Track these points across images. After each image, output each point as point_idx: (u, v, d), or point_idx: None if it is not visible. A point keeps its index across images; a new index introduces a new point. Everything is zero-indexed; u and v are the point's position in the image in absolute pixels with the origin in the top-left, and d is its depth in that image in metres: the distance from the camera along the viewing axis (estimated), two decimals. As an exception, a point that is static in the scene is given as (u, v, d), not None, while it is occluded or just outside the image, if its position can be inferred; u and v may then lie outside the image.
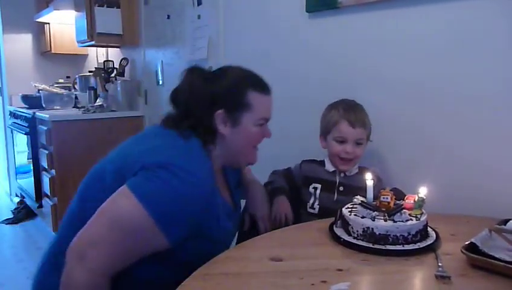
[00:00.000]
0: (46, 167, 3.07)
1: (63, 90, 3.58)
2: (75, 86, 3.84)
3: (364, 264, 0.93)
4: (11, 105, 4.07)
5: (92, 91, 3.45)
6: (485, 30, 1.25)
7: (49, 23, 3.87)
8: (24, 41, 4.17)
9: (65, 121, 2.96)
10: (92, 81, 3.56)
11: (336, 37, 1.68)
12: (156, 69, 2.97)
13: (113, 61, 3.32)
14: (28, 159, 3.47)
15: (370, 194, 1.08)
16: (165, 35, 2.84)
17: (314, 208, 1.40)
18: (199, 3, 2.44)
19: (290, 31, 1.87)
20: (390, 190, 1.07)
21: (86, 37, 3.14)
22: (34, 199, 3.38)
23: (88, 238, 0.95)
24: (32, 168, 3.33)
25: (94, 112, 3.10)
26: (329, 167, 1.42)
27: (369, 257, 0.96)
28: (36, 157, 3.27)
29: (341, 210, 1.10)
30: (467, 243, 0.92)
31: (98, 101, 3.27)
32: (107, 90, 3.28)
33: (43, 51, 4.09)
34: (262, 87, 1.16)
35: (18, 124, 3.59)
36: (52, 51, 3.92)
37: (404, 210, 1.03)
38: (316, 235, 1.10)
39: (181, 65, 2.63)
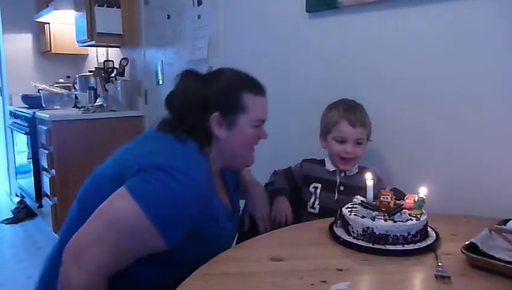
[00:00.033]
0: (46, 167, 3.07)
1: (63, 90, 3.58)
2: (75, 86, 3.84)
3: (364, 264, 0.93)
4: (11, 105, 4.07)
5: (92, 91, 3.45)
6: (485, 30, 1.25)
7: (49, 23, 3.87)
8: (24, 41, 4.18)
9: (65, 121, 2.97)
10: (92, 81, 3.56)
11: (336, 37, 1.68)
12: (156, 69, 2.97)
13: (113, 61, 3.32)
14: (28, 159, 3.47)
15: (370, 194, 1.08)
16: (165, 35, 2.84)
17: (314, 208, 1.40)
18: (199, 3, 2.44)
19: (290, 31, 1.87)
20: (390, 190, 1.07)
21: (86, 37, 3.14)
22: (34, 198, 3.38)
23: (85, 239, 0.95)
24: (32, 168, 3.34)
25: (94, 111, 3.10)
26: (329, 166, 1.42)
27: (369, 256, 0.96)
28: (36, 157, 3.27)
29: (341, 210, 1.10)
30: (466, 243, 0.92)
31: (98, 101, 3.27)
32: (107, 90, 3.28)
33: (43, 50, 4.09)
34: (257, 88, 1.16)
35: (18, 124, 3.59)
36: (52, 51, 3.92)
37: (404, 210, 1.03)
38: (316, 235, 1.10)
39: (181, 65, 2.63)
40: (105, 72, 3.29)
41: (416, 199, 1.04)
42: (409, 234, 0.99)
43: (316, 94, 1.72)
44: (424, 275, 0.91)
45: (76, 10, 3.28)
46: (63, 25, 3.81)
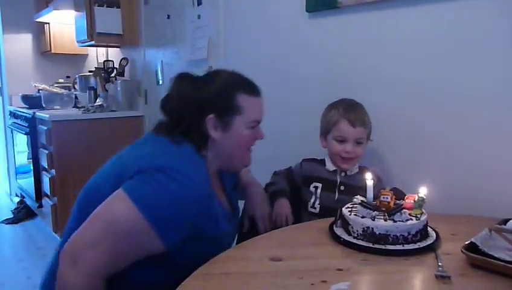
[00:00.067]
0: (46, 167, 3.07)
1: (63, 90, 3.58)
2: (75, 86, 3.84)
3: (364, 264, 0.93)
4: (11, 105, 4.07)
5: (92, 91, 3.45)
6: (485, 30, 1.25)
7: (49, 23, 3.88)
8: (24, 41, 4.17)
9: (65, 121, 2.97)
10: (92, 81, 3.56)
11: (336, 37, 1.68)
12: (156, 69, 2.97)
13: (113, 61, 3.32)
14: (28, 159, 3.47)
15: (370, 193, 1.08)
16: (165, 35, 2.84)
17: (315, 208, 1.40)
18: (199, 3, 2.44)
19: (290, 31, 1.87)
20: (390, 190, 1.07)
21: (86, 37, 3.14)
22: (34, 198, 3.38)
23: (82, 241, 0.95)
24: (32, 168, 3.34)
25: (94, 111, 3.10)
26: (329, 166, 1.41)
27: (369, 256, 0.96)
28: (36, 157, 3.27)
29: (341, 210, 1.10)
30: (466, 242, 0.92)
31: (98, 101, 3.27)
32: (107, 90, 3.28)
33: (43, 50, 4.09)
34: (252, 89, 1.16)
35: (18, 124, 3.59)
36: (52, 51, 3.92)
37: (404, 210, 1.03)
38: (316, 235, 1.10)
39: (181, 65, 2.63)
40: (105, 72, 3.29)
41: (416, 199, 1.04)
42: (409, 233, 0.99)
43: (316, 94, 1.72)
44: (424, 275, 0.91)
45: (76, 10, 3.28)
46: (63, 25, 3.81)
